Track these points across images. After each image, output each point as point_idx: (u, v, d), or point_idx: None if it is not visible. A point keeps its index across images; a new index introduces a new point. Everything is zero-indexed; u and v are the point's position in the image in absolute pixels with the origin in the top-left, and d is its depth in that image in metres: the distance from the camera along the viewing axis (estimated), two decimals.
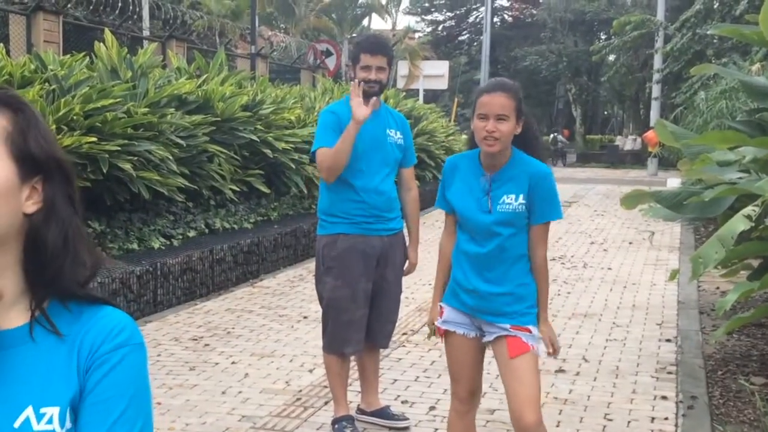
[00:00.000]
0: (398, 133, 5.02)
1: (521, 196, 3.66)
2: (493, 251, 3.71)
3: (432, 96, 38.37)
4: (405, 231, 5.18)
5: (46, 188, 1.36)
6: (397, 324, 5.31)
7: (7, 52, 9.65)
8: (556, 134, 41.58)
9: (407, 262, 5.18)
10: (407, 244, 5.19)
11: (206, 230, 9.72)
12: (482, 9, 42.68)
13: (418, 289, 9.14)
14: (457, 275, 3.83)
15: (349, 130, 4.67)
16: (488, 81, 3.88)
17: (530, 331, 3.71)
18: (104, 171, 7.75)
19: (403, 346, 6.93)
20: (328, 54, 24.97)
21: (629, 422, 5.30)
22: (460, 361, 3.87)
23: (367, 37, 5.16)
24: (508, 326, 3.69)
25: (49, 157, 1.37)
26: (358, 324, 4.91)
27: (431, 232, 13.16)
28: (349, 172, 4.82)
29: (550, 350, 3.80)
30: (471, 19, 51.94)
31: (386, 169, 4.95)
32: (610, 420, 5.33)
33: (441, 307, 3.89)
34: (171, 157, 8.68)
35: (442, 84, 31.09)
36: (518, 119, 3.68)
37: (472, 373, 3.88)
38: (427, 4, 52.84)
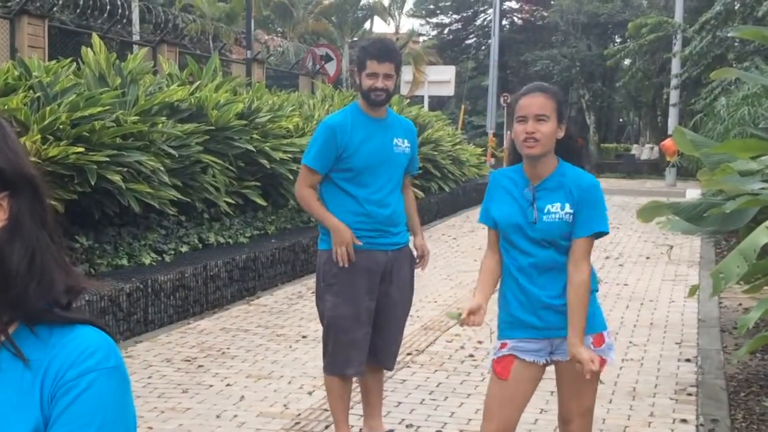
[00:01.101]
0: (406, 141, 5.04)
1: (567, 206, 3.71)
2: (546, 260, 3.74)
3: (437, 103, 38.44)
4: (411, 245, 5.18)
5: (12, 205, 1.34)
6: (402, 343, 5.31)
7: None
8: None
9: (418, 257, 5.17)
10: (412, 238, 5.18)
11: (200, 245, 9.73)
12: (490, 11, 42.77)
13: (423, 306, 9.15)
14: (521, 301, 3.79)
15: (326, 224, 4.85)
16: (527, 85, 3.94)
17: (605, 340, 3.79)
18: (92, 183, 7.77)
19: (408, 366, 6.94)
20: (328, 59, 25.03)
21: None
22: (511, 393, 3.80)
23: (374, 41, 5.13)
24: (590, 339, 3.74)
25: (16, 172, 1.35)
26: (360, 344, 4.91)
27: (438, 246, 13.17)
28: (353, 184, 4.85)
29: (587, 370, 3.74)
30: (478, 22, 52.02)
31: (393, 181, 4.97)
32: None
33: (503, 343, 3.85)
34: (162, 168, 8.70)
35: (448, 90, 31.21)
36: (560, 121, 3.73)
37: (515, 410, 3.84)
38: (432, 7, 52.94)
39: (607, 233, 3.83)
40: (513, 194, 3.79)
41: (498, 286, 3.94)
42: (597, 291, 3.90)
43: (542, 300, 3.74)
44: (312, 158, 4.88)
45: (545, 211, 3.71)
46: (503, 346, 3.84)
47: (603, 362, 3.75)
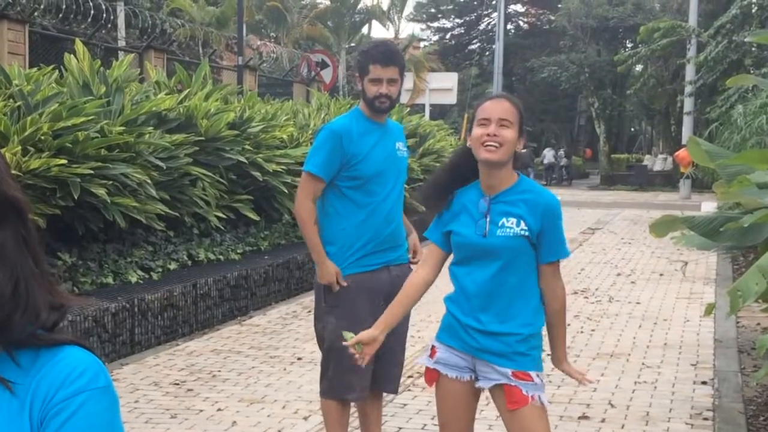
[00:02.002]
0: (402, 144, 5.09)
1: (523, 222, 3.67)
2: (491, 282, 3.71)
3: (439, 111, 38.49)
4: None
5: None
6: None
7: None
8: (550, 150, 42.63)
9: (411, 254, 5.17)
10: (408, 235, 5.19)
11: (189, 262, 9.74)
12: (494, 15, 42.89)
13: (426, 327, 9.14)
14: (456, 313, 3.82)
15: (313, 255, 4.91)
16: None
17: (531, 379, 3.69)
18: (75, 197, 7.78)
19: (409, 390, 6.93)
20: (324, 65, 25.06)
21: None
22: (452, 408, 3.85)
23: (376, 44, 5.12)
24: (509, 372, 3.68)
25: (0, 199, 1.36)
26: (363, 369, 4.89)
27: None
28: (361, 192, 4.84)
29: (585, 379, 3.84)
30: (482, 27, 52.16)
31: (398, 187, 4.99)
32: None
33: (433, 346, 3.88)
34: (149, 181, 8.71)
35: (451, 98, 31.19)
36: (521, 133, 3.73)
37: (465, 420, 3.87)
38: (433, 10, 53.08)
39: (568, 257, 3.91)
40: (468, 205, 3.77)
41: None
42: (542, 326, 3.85)
43: (479, 322, 3.71)
44: (317, 165, 4.85)
45: (499, 224, 3.67)
46: (433, 352, 3.87)
47: (525, 399, 3.66)
